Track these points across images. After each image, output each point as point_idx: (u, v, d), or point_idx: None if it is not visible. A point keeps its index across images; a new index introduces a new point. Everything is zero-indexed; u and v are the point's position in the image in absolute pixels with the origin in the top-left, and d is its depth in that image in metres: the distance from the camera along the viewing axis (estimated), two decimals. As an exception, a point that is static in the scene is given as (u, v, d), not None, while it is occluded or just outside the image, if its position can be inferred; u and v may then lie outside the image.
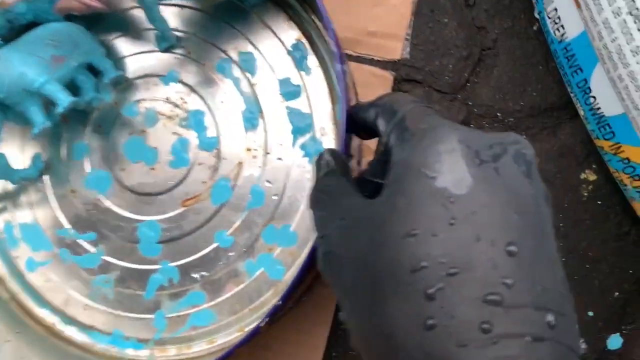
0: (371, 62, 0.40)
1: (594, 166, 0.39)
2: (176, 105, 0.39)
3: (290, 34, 0.38)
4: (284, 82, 0.38)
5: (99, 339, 0.38)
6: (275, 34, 0.38)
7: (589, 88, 0.33)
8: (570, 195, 0.39)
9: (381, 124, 0.22)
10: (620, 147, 0.32)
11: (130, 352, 0.38)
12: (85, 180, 0.39)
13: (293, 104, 0.38)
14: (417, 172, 0.17)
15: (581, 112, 0.34)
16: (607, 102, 0.32)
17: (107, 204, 0.39)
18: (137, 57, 0.40)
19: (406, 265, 0.16)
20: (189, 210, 0.38)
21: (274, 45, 0.38)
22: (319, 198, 0.22)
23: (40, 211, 0.40)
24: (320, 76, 0.38)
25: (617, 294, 0.39)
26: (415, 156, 0.18)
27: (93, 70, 0.38)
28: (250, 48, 0.39)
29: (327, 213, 0.21)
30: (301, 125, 0.38)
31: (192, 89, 0.39)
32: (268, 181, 0.38)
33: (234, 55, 0.39)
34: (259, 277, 0.37)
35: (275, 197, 0.38)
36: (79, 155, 0.39)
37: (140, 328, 0.38)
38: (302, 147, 0.38)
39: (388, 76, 0.39)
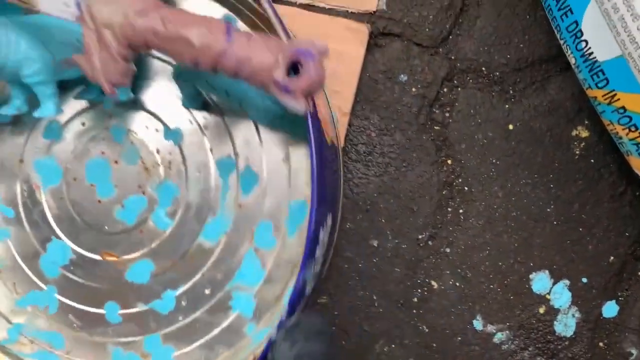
0: (345, 14, 0.36)
1: (586, 122, 0.36)
2: (159, 164, 0.35)
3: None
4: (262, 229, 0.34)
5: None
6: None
7: (580, 31, 0.30)
8: (561, 154, 0.36)
9: None
10: (615, 95, 0.30)
11: None
12: (36, 159, 0.36)
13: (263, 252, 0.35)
14: None
15: (572, 61, 0.32)
16: (600, 45, 0.29)
17: (41, 196, 0.36)
18: (163, 93, 0.35)
19: None
20: (102, 263, 0.36)
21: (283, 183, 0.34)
22: None
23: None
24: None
25: (612, 258, 0.37)
26: None
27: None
28: (258, 168, 0.34)
29: None
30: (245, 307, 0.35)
31: (184, 161, 0.35)
32: (184, 300, 0.35)
33: (241, 163, 0.35)
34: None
35: (182, 320, 0.35)
36: (49, 133, 0.36)
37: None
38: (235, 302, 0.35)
39: (364, 29, 0.36)
